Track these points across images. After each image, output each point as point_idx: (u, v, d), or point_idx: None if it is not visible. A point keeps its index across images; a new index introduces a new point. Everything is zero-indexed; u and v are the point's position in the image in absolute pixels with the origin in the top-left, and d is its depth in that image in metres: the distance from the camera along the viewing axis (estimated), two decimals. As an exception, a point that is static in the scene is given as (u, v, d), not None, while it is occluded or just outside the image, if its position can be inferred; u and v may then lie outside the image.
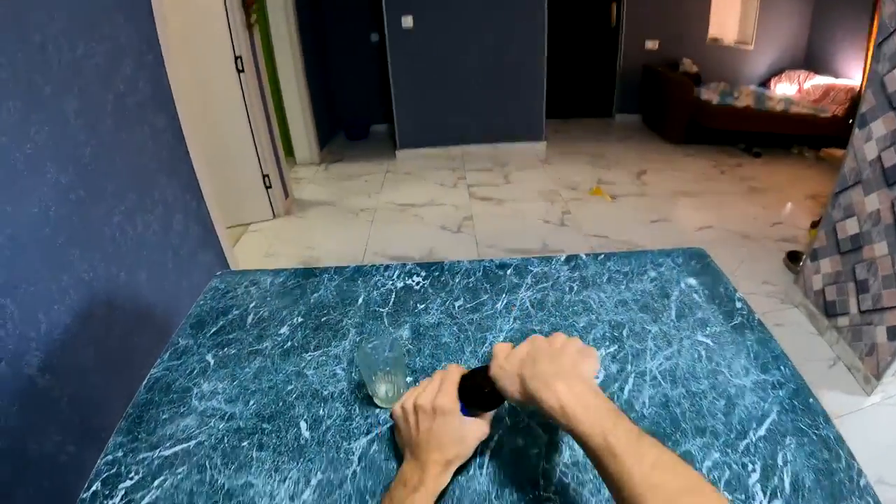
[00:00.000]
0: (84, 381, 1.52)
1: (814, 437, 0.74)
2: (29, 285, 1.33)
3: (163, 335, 1.82)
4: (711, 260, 1.17)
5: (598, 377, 0.86)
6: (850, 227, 2.23)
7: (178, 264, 2.14)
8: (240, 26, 3.02)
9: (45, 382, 1.36)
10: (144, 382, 0.89)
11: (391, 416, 0.73)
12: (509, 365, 0.65)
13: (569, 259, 1.18)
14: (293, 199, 3.80)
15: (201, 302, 1.09)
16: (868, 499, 0.65)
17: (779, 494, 0.66)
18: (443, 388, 0.69)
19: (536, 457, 0.74)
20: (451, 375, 0.71)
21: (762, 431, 0.74)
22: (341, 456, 0.75)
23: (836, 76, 4.85)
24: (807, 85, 5.01)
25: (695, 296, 1.04)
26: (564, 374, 0.60)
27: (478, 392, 0.68)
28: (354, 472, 0.73)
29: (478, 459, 0.74)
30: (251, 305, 1.08)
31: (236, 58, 3.02)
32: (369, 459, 0.74)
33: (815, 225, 2.85)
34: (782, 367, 0.86)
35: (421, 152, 4.75)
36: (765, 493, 0.66)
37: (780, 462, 0.70)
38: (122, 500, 0.69)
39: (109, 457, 0.76)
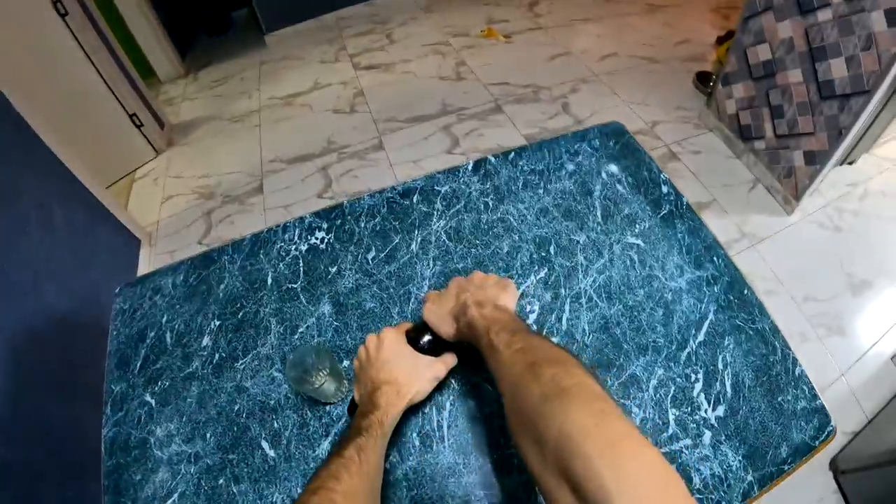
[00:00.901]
0: (52, 427, 1.46)
1: (750, 332, 0.77)
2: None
3: (102, 332, 1.72)
4: (630, 136, 1.12)
5: (533, 311, 0.85)
6: (763, 52, 2.20)
7: (79, 259, 1.97)
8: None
9: (13, 457, 1.30)
10: (103, 446, 0.84)
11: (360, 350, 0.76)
12: (439, 308, 0.72)
13: (476, 167, 1.11)
14: (170, 126, 3.45)
15: (114, 332, 1.00)
16: (803, 387, 0.70)
17: (721, 400, 0.70)
18: (393, 326, 0.76)
19: (490, 417, 0.76)
20: (400, 325, 0.77)
21: (701, 336, 0.77)
22: (310, 467, 0.76)
23: None
24: None
25: (618, 186, 1.01)
26: (483, 303, 0.67)
27: (420, 338, 0.74)
28: (329, 477, 0.73)
29: (437, 434, 0.75)
30: (164, 321, 0.99)
31: (54, 2, 2.52)
32: (338, 461, 0.75)
33: (720, 40, 2.79)
34: (715, 259, 0.86)
35: (291, 31, 4.29)
36: (709, 402, 0.70)
37: (720, 366, 0.73)
38: None
39: None
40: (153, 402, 0.88)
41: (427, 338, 0.74)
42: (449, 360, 0.74)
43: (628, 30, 3.57)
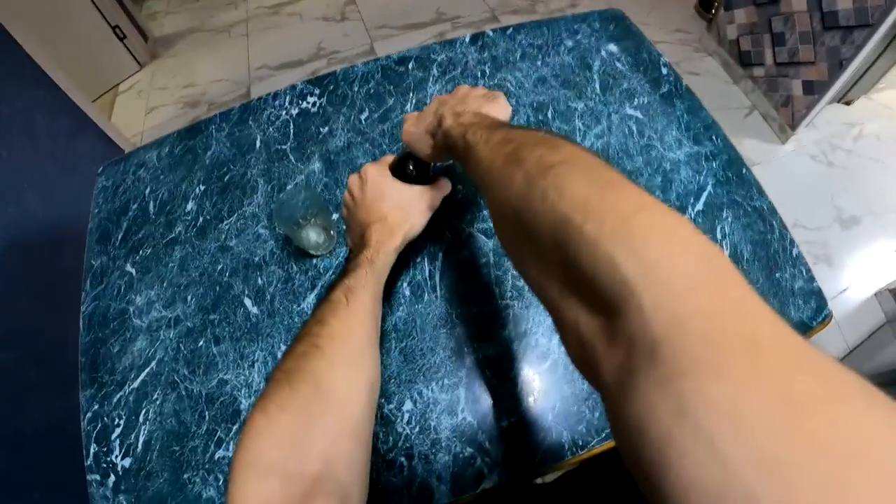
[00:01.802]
0: (34, 335, 1.44)
1: (749, 208, 0.75)
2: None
3: (82, 247, 1.70)
4: (630, 22, 1.06)
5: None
6: None
7: (62, 169, 1.91)
8: None
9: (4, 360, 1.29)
10: (80, 322, 0.82)
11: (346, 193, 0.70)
12: (417, 127, 0.64)
13: (474, 39, 1.06)
14: (154, 38, 3.31)
15: (95, 210, 0.96)
16: (801, 267, 0.68)
17: None
18: (374, 162, 0.69)
19: (486, 266, 0.74)
20: (382, 159, 0.70)
21: (700, 206, 0.75)
22: (295, 321, 0.74)
23: None
24: None
25: (617, 64, 0.97)
26: (461, 113, 0.57)
27: (404, 167, 0.67)
28: (314, 332, 0.72)
29: (428, 284, 0.73)
30: (147, 192, 0.96)
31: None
32: (323, 315, 0.73)
33: None
34: (714, 138, 0.84)
35: (277, -61, 4.09)
36: (708, 266, 0.68)
37: (718, 236, 0.72)
38: (121, 450, 0.68)
39: (89, 414, 0.72)
40: (133, 271, 0.85)
41: (412, 164, 0.67)
42: (443, 185, 0.68)
43: None
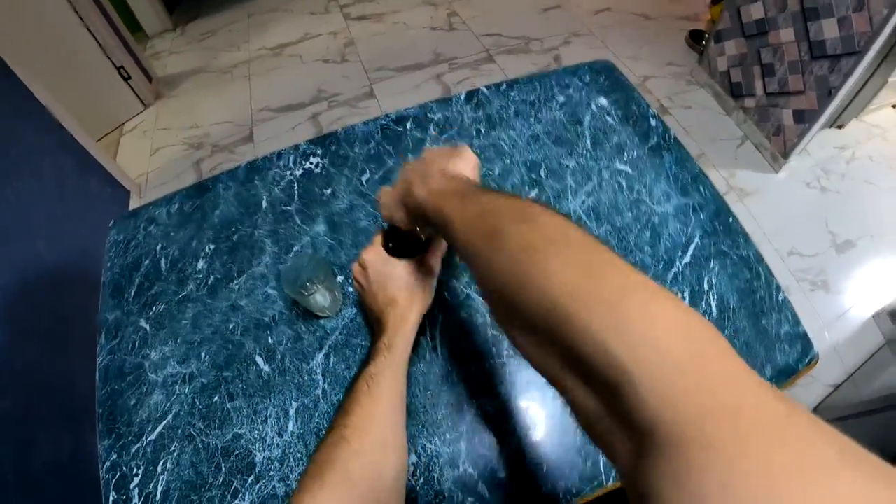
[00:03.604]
0: (41, 380, 1.47)
1: (735, 258, 0.79)
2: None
3: (92, 287, 1.71)
4: (620, 73, 1.13)
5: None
6: (755, 11, 2.17)
7: (69, 209, 1.96)
8: None
9: (8, 406, 1.32)
10: (97, 375, 0.85)
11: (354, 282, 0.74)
12: (390, 198, 0.65)
13: (469, 96, 1.12)
14: (158, 79, 3.39)
15: (108, 264, 1.01)
16: (787, 312, 0.72)
17: (706, 317, 0.72)
18: (369, 246, 0.72)
19: (483, 326, 0.77)
20: (374, 239, 0.73)
21: (687, 258, 0.79)
22: (306, 379, 0.78)
23: None
24: None
25: (608, 118, 1.02)
26: (428, 175, 0.56)
27: (394, 239, 0.71)
28: (323, 390, 0.76)
29: (429, 344, 0.77)
30: (158, 249, 1.00)
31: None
32: (332, 374, 0.77)
33: (715, 2, 2.77)
34: (701, 189, 0.88)
35: (279, -20, 4.20)
36: (694, 319, 0.72)
37: (706, 287, 0.75)
38: (140, 498, 0.71)
39: (107, 463, 0.76)
40: (147, 326, 0.89)
41: (397, 239, 0.71)
42: (437, 247, 0.70)
43: None
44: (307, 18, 3.70)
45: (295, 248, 0.93)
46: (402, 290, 0.67)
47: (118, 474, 0.74)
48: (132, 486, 0.72)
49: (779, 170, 2.26)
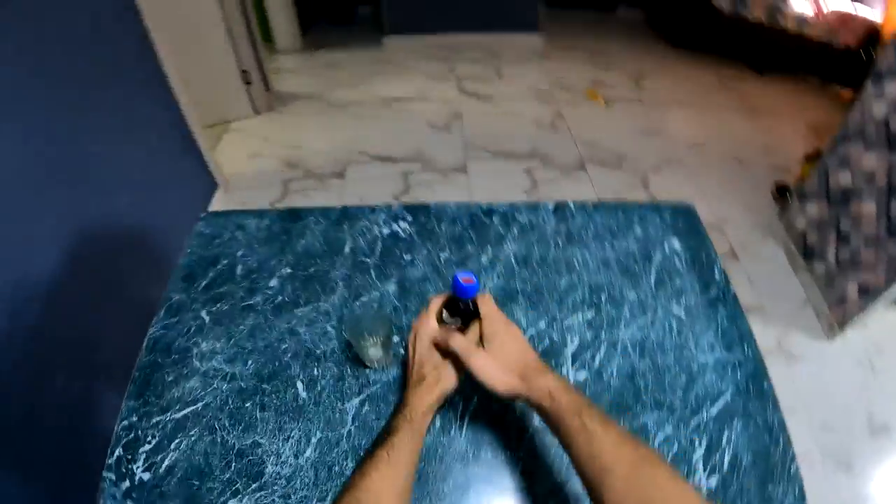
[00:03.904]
0: (84, 320, 1.55)
1: (759, 421, 0.82)
2: (15, 230, 1.33)
3: (154, 257, 1.82)
4: (699, 220, 1.18)
5: (573, 342, 0.91)
6: (844, 179, 2.22)
7: (160, 180, 2.11)
8: None
9: (46, 327, 1.39)
10: (145, 343, 0.93)
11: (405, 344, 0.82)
12: (490, 362, 0.70)
13: (556, 208, 1.19)
14: (275, 92, 3.65)
15: (189, 250, 1.10)
16: (796, 486, 0.74)
17: (716, 471, 0.75)
18: (428, 311, 0.79)
19: (511, 420, 0.81)
20: (431, 306, 0.79)
21: (714, 411, 0.82)
22: (336, 416, 0.82)
23: (857, 1, 4.53)
24: (826, 8, 4.68)
25: (676, 261, 1.08)
26: (538, 370, 0.67)
27: (451, 319, 0.78)
28: (349, 431, 0.80)
29: (457, 422, 0.81)
30: (239, 254, 1.09)
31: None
32: (362, 419, 0.82)
33: (809, 158, 2.82)
34: (746, 347, 0.92)
35: (410, 39, 4.50)
36: (705, 469, 0.75)
37: (724, 442, 0.78)
38: (144, 463, 0.77)
39: (125, 422, 0.82)
40: (207, 318, 0.96)
41: (455, 320, 0.78)
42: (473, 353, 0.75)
43: (724, 125, 3.61)
44: (425, 81, 3.94)
45: (363, 298, 1.00)
46: (433, 370, 0.73)
47: (132, 435, 0.80)
48: (141, 450, 0.78)
49: (832, 339, 2.21)
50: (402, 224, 1.16)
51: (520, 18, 4.53)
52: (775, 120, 3.75)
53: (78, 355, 1.50)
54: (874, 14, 4.26)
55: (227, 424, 0.81)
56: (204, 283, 1.03)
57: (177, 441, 0.79)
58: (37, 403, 1.34)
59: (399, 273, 1.05)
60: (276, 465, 0.77)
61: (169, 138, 2.25)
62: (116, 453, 0.78)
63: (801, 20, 4.51)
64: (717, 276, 1.05)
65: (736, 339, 0.93)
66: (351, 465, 0.76)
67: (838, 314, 2.20)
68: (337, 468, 0.76)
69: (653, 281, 1.03)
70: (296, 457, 0.77)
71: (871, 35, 3.99)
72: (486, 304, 0.74)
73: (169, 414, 0.83)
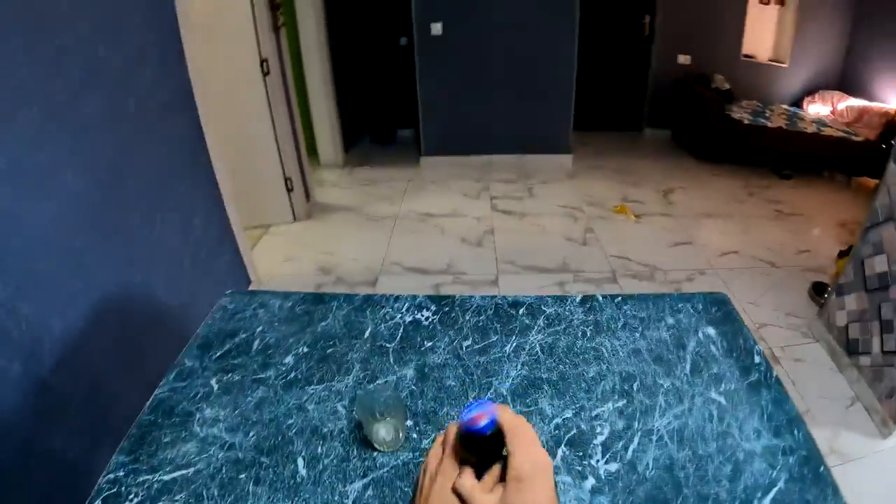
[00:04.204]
0: (96, 382, 1.53)
1: None
2: (44, 288, 1.35)
3: (177, 339, 1.80)
4: (733, 307, 1.13)
5: (602, 433, 0.84)
6: (879, 264, 2.16)
7: (194, 267, 2.16)
8: (266, 28, 3.01)
9: (57, 383, 1.38)
10: (149, 403, 0.90)
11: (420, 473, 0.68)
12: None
13: (584, 300, 1.15)
14: (315, 202, 3.81)
15: (209, 322, 1.10)
16: None
17: None
18: (450, 461, 0.65)
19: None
20: (450, 435, 0.65)
21: (767, 502, 0.72)
22: (336, 498, 0.75)
23: (872, 99, 4.72)
24: (840, 106, 4.88)
25: (712, 347, 1.02)
26: None
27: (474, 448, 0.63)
28: (348, 516, 0.73)
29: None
30: (258, 330, 1.08)
31: (262, 60, 3.02)
32: (363, 504, 0.74)
33: (842, 254, 2.79)
34: (795, 432, 0.83)
35: (445, 160, 4.72)
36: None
37: None
38: None
39: (111, 476, 0.77)
40: (216, 386, 0.94)
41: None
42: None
43: (754, 231, 3.60)
44: (459, 198, 4.07)
45: (379, 381, 0.95)
46: None
47: (115, 490, 0.75)
48: None
49: (888, 436, 2.03)
50: (426, 313, 1.13)
51: (551, 142, 4.74)
52: (805, 222, 3.76)
53: (83, 415, 1.47)
54: (890, 105, 4.35)
55: (215, 494, 0.75)
56: (219, 353, 1.02)
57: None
58: (32, 453, 1.30)
59: (418, 359, 1.01)
60: (262, 546, 0.69)
61: (210, 231, 2.33)
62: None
63: (819, 122, 4.64)
64: (756, 360, 0.98)
65: (784, 423, 0.85)
66: (347, 555, 0.68)
67: (890, 408, 2.04)
68: None
69: (688, 368, 0.96)
70: None
71: (889, 124, 4.09)
72: (519, 442, 0.61)
73: (157, 475, 0.78)
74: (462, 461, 0.62)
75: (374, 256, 3.23)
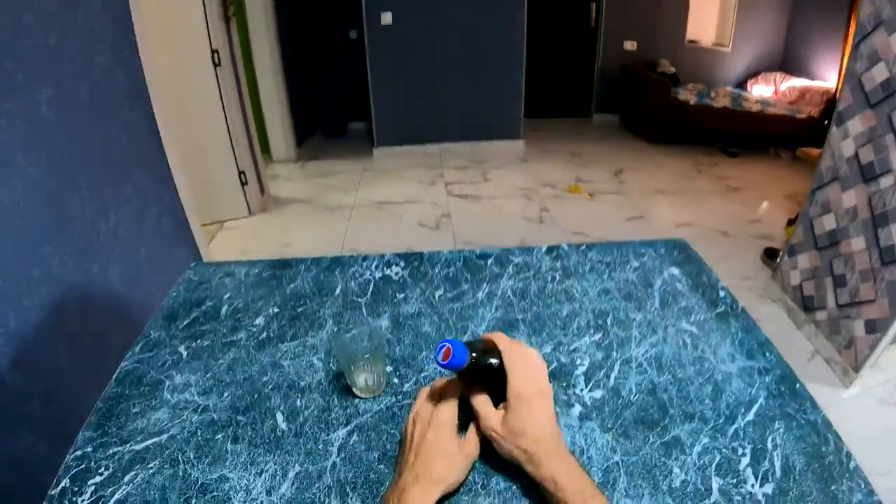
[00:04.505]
0: (55, 378, 1.47)
1: (802, 421, 0.74)
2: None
3: (136, 330, 1.75)
4: (692, 250, 1.17)
5: (583, 365, 0.85)
6: (828, 222, 2.27)
7: (151, 259, 2.09)
8: (217, 19, 2.96)
9: (15, 380, 1.32)
10: (115, 375, 0.85)
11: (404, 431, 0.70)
12: (503, 437, 0.64)
13: (550, 250, 1.17)
14: (269, 196, 3.75)
15: (174, 294, 1.06)
16: (858, 480, 0.66)
17: (770, 478, 0.66)
18: (445, 396, 0.69)
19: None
20: (455, 383, 0.70)
21: (750, 416, 0.74)
22: (319, 447, 0.73)
23: (812, 78, 4.95)
24: (783, 87, 5.10)
25: (678, 285, 1.05)
26: (550, 453, 0.61)
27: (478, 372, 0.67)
28: (333, 463, 0.71)
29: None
30: (225, 296, 1.04)
31: (213, 51, 2.96)
32: (349, 451, 0.72)
33: (791, 222, 2.93)
34: (767, 354, 0.86)
35: (399, 150, 4.73)
36: (756, 477, 0.66)
37: (769, 446, 0.70)
38: (91, 496, 0.66)
39: (79, 452, 0.73)
40: (184, 353, 0.90)
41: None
42: (474, 441, 0.68)
43: (705, 205, 3.74)
44: (414, 185, 4.07)
45: (353, 332, 0.93)
46: (438, 467, 0.63)
47: (83, 466, 0.71)
48: (90, 482, 0.68)
49: (849, 384, 2.15)
50: (395, 269, 1.13)
51: (503, 129, 4.80)
52: (754, 195, 3.92)
53: (43, 411, 1.41)
54: (830, 83, 4.56)
55: (191, 457, 0.72)
56: (186, 321, 0.98)
57: (132, 474, 0.69)
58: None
59: (392, 310, 1.00)
60: (245, 502, 0.66)
61: (166, 223, 2.27)
62: (62, 484, 0.68)
63: (763, 102, 4.84)
64: (721, 294, 1.02)
65: (755, 347, 0.88)
66: (334, 502, 0.66)
67: (850, 357, 2.15)
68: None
69: (657, 303, 0.99)
70: (268, 493, 0.67)
71: (830, 101, 4.30)
72: (517, 365, 0.67)
73: (128, 445, 0.73)
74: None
75: (333, 245, 3.20)
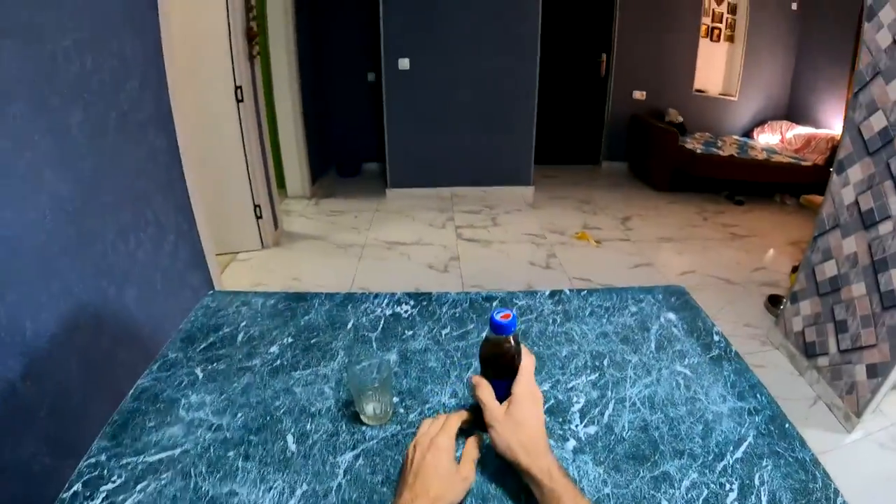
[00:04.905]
0: (65, 391, 1.50)
1: (790, 459, 0.77)
2: (18, 290, 1.34)
3: (148, 353, 1.76)
4: (690, 297, 1.22)
5: (579, 402, 0.89)
6: (829, 269, 2.30)
7: (166, 284, 2.14)
8: (242, 57, 3.09)
9: (26, 390, 1.35)
10: (131, 391, 0.90)
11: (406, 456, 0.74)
12: (504, 427, 0.72)
13: (553, 294, 1.22)
14: (282, 230, 3.82)
15: (192, 318, 1.12)
16: None
17: None
18: (445, 426, 0.74)
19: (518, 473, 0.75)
20: (455, 416, 0.77)
21: (739, 454, 0.78)
22: (327, 469, 0.77)
23: (817, 126, 5.04)
24: (789, 135, 5.19)
25: (674, 329, 1.09)
26: (542, 450, 0.69)
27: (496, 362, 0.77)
28: (339, 484, 0.74)
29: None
30: (242, 324, 1.10)
31: (237, 87, 3.08)
32: (354, 473, 0.76)
33: (795, 270, 2.95)
34: (758, 395, 0.90)
35: (411, 192, 4.82)
36: (744, 512, 0.69)
37: (756, 482, 0.73)
38: (102, 501, 0.70)
39: (92, 459, 0.77)
40: (200, 374, 0.95)
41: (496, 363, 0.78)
42: (471, 466, 0.73)
43: (710, 253, 3.78)
44: (425, 228, 4.14)
45: (364, 364, 0.98)
46: (440, 481, 0.68)
47: (96, 473, 0.74)
48: (102, 488, 0.72)
49: (851, 429, 2.13)
50: (405, 307, 1.18)
51: (514, 175, 4.89)
52: (759, 242, 3.96)
53: (49, 422, 1.43)
54: (835, 131, 4.63)
55: (203, 471, 0.76)
56: (203, 345, 1.03)
57: (144, 483, 0.73)
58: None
59: (401, 345, 1.05)
60: (253, 516, 0.71)
61: (183, 250, 2.32)
62: (74, 488, 0.72)
63: (769, 150, 4.91)
64: (716, 339, 1.06)
65: (746, 388, 0.92)
66: (339, 521, 0.70)
67: (851, 403, 2.15)
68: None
69: (653, 346, 1.03)
70: None
71: (835, 149, 4.31)
72: (527, 366, 0.77)
73: (142, 457, 0.78)
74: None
75: (342, 282, 3.25)
